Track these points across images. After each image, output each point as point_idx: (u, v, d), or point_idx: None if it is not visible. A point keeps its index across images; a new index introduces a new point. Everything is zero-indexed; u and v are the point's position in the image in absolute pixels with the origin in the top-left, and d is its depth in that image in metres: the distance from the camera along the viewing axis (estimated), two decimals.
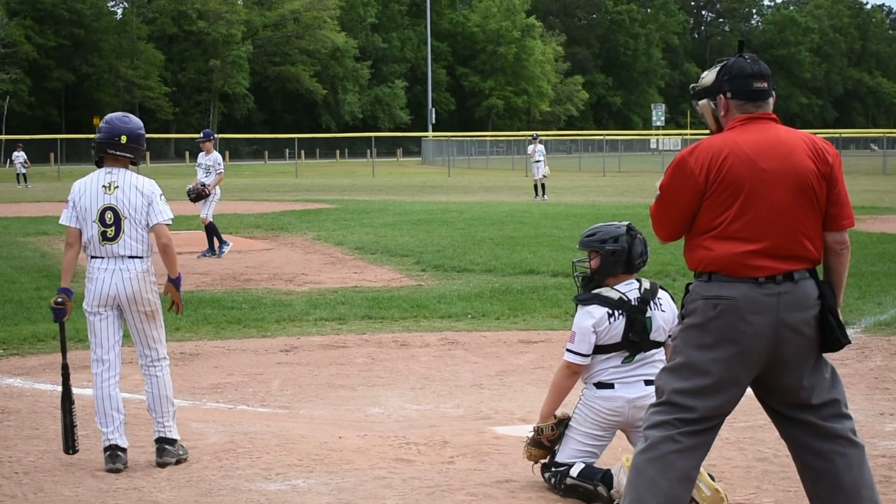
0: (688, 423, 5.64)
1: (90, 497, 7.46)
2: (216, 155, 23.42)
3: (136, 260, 8.16)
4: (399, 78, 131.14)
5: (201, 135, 24.18)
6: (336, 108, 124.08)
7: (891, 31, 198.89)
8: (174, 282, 8.26)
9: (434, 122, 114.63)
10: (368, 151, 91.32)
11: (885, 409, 9.81)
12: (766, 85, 5.70)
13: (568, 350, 7.34)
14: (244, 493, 7.54)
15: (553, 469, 7.36)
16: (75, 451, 8.24)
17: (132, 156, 8.29)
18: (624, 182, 60.42)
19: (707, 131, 5.98)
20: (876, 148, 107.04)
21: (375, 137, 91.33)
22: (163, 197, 8.25)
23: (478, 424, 9.38)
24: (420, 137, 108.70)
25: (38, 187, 57.11)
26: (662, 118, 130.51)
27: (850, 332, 12.84)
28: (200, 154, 23.74)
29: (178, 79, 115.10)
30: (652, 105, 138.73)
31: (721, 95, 5.76)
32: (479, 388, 10.80)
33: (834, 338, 5.62)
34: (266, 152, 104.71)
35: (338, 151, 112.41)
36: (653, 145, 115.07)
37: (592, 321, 7.28)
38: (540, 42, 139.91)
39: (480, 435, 9.01)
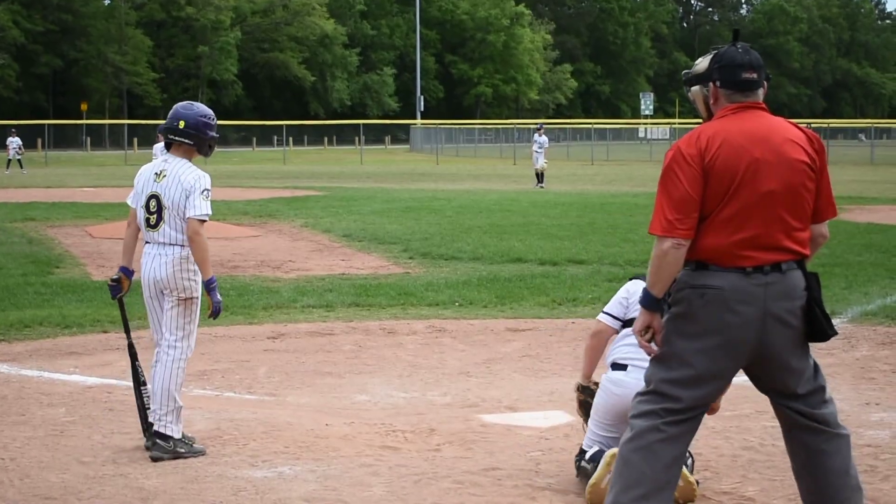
0: (673, 412, 5.65)
1: (77, 483, 7.45)
2: None
3: (175, 247, 8.16)
4: (388, 65, 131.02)
5: None
6: (324, 95, 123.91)
7: (879, 22, 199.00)
8: (205, 284, 8.13)
9: (422, 109, 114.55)
10: (357, 139, 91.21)
11: (871, 398, 9.83)
12: (755, 76, 5.69)
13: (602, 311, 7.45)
14: (230, 480, 7.54)
15: (578, 455, 7.39)
16: (150, 434, 8.23)
17: (191, 142, 8.26)
18: (612, 171, 60.48)
19: (699, 120, 5.98)
20: (864, 138, 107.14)
21: (364, 125, 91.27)
22: (206, 192, 8.13)
23: (465, 412, 9.38)
24: (408, 125, 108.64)
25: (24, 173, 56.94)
26: (651, 107, 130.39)
27: (836, 321, 12.93)
28: None
29: (167, 65, 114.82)
30: (640, 94, 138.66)
31: (711, 83, 5.76)
32: (466, 376, 10.81)
33: (820, 329, 5.64)
34: (254, 139, 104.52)
35: (326, 139, 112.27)
36: (641, 134, 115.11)
37: (626, 292, 7.36)
38: (529, 30, 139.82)
39: (467, 423, 9.01)
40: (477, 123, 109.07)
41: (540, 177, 43.91)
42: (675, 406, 5.64)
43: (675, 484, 5.74)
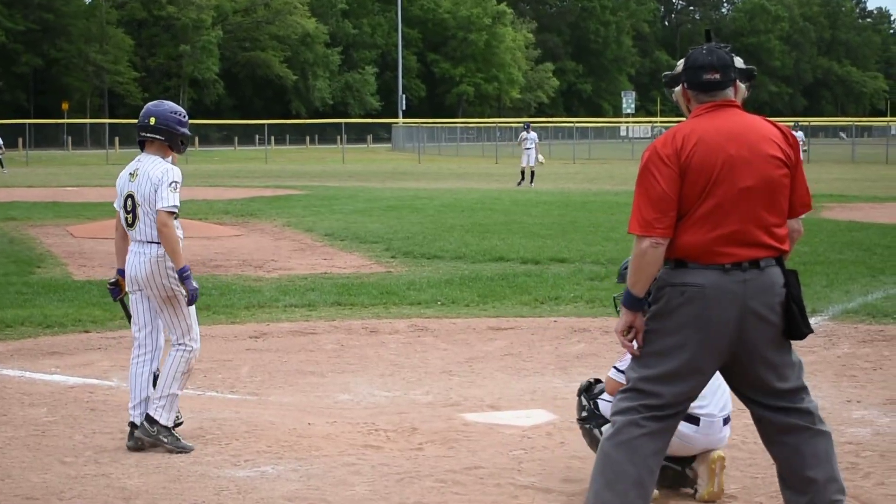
0: (653, 408, 5.67)
1: (58, 483, 7.44)
2: None
3: (152, 245, 8.25)
4: (369, 64, 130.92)
5: None
6: (306, 94, 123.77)
7: (860, 21, 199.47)
8: (178, 273, 8.20)
9: (404, 108, 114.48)
10: (339, 138, 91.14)
11: (852, 396, 9.86)
12: (717, 76, 5.71)
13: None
14: (213, 479, 7.54)
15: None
16: (178, 425, 8.40)
17: (163, 138, 8.34)
18: (594, 169, 60.54)
19: (681, 118, 6.00)
20: (845, 136, 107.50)
21: (346, 124, 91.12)
22: (173, 185, 8.20)
23: (447, 411, 9.39)
24: (390, 124, 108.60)
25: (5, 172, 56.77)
26: (633, 106, 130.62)
27: (817, 319, 13.00)
28: None
29: (148, 64, 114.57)
30: (622, 92, 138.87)
31: (681, 85, 5.82)
32: (449, 375, 10.81)
33: (797, 327, 5.66)
34: (236, 138, 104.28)
35: (308, 138, 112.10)
36: (623, 133, 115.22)
37: None
38: (511, 29, 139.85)
39: (449, 421, 9.02)
40: (459, 122, 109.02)
41: (531, 176, 43.49)
42: (655, 402, 5.67)
43: (656, 479, 5.76)
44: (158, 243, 8.21)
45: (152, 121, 8.33)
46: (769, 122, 5.80)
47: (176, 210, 8.21)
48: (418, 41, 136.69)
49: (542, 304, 14.92)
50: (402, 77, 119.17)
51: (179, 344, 8.37)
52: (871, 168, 60.79)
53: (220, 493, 7.26)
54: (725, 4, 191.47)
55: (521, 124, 51.59)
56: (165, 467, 7.80)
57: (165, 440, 8.18)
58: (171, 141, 8.37)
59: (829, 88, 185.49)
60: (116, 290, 8.59)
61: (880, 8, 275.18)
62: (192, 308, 8.40)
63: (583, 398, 7.30)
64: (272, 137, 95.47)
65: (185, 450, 8.17)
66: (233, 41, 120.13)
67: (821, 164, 61.86)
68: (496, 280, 16.74)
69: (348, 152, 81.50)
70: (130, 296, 8.45)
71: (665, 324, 5.64)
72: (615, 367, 7.07)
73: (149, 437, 8.17)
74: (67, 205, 32.71)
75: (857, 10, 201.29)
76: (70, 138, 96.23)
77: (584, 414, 7.24)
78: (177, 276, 8.22)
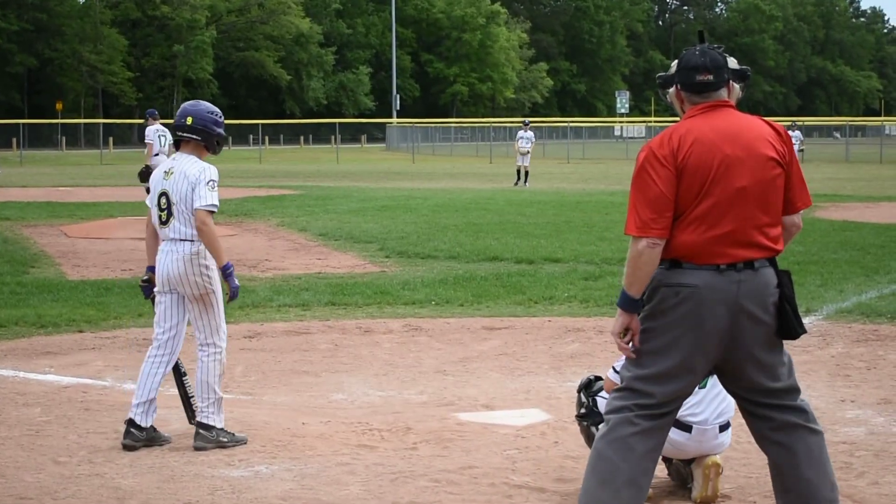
0: (645, 407, 5.68)
1: (52, 483, 7.44)
2: (150, 128, 25.32)
3: (185, 243, 8.27)
4: (363, 64, 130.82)
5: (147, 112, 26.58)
6: (300, 94, 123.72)
7: (854, 20, 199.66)
8: (221, 271, 8.24)
9: (398, 108, 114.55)
10: (333, 138, 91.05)
11: (846, 395, 9.87)
12: (710, 77, 5.71)
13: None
14: (207, 479, 7.54)
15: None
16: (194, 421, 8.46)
17: (199, 138, 8.37)
18: (588, 169, 60.53)
19: (675, 118, 6.00)
20: (839, 136, 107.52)
21: (340, 124, 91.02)
22: (211, 183, 8.24)
23: (441, 411, 9.39)
24: (384, 124, 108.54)
25: None
26: (627, 105, 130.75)
27: (811, 319, 13.00)
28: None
29: (142, 64, 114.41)
30: (616, 92, 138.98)
31: (675, 86, 5.82)
32: (443, 375, 10.81)
33: (790, 327, 5.67)
34: (230, 138, 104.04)
35: (302, 137, 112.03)
36: (617, 132, 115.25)
37: None
38: (505, 29, 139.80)
39: (443, 421, 9.02)
40: (453, 122, 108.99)
41: (525, 175, 43.42)
42: (648, 402, 5.67)
43: (650, 478, 5.76)
44: (192, 241, 8.24)
45: (189, 121, 8.36)
46: (763, 120, 5.81)
47: (215, 209, 8.24)
48: (412, 41, 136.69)
49: (536, 303, 14.92)
50: (396, 77, 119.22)
51: (208, 344, 8.38)
52: (864, 168, 60.82)
53: (214, 492, 7.26)
54: (719, 4, 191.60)
55: (521, 122, 51.40)
56: (160, 467, 7.80)
57: (225, 440, 8.29)
58: (207, 141, 8.40)
59: (823, 88, 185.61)
60: (149, 288, 8.61)
61: (874, 8, 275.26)
62: (222, 307, 8.44)
63: (582, 395, 7.29)
64: (266, 137, 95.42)
65: (241, 442, 8.33)
66: (227, 41, 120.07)
67: (815, 163, 61.90)
68: (490, 280, 16.74)
69: (342, 152, 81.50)
70: (158, 296, 8.46)
71: (659, 323, 5.65)
72: (613, 368, 7.05)
73: (209, 442, 8.25)
74: (61, 205, 32.68)
75: (851, 10, 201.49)
76: (64, 138, 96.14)
77: (583, 411, 7.24)
78: (210, 274, 8.28)
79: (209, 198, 8.20)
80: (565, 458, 7.94)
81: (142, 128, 26.47)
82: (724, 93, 5.76)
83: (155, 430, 8.38)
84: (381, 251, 20.74)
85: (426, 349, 12.06)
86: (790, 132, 5.89)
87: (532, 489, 7.28)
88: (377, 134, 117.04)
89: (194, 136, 8.37)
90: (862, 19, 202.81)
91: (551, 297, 15.29)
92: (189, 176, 8.24)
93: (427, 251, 20.38)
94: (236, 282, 8.30)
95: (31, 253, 20.73)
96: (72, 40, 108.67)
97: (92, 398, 9.81)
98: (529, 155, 43.74)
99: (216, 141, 8.44)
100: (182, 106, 8.51)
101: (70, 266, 18.73)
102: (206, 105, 8.53)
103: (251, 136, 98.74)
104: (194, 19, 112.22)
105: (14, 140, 79.83)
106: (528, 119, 52.96)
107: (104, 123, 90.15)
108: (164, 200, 8.33)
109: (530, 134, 44.53)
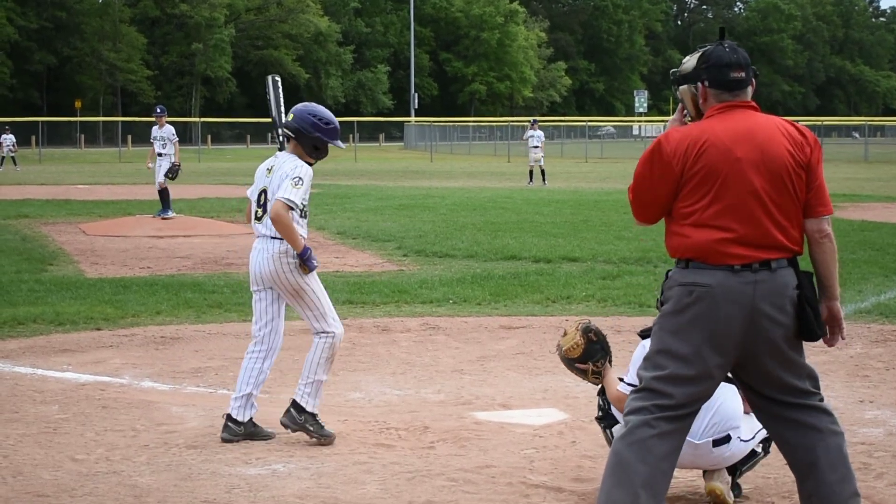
0: (665, 409, 5.65)
1: (69, 480, 7.44)
2: (170, 127, 25.89)
3: (275, 241, 8.32)
4: (382, 63, 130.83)
5: (157, 110, 26.91)
6: (318, 92, 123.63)
7: (873, 20, 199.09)
8: (299, 256, 8.28)
9: (417, 107, 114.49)
10: (351, 136, 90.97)
11: (865, 396, 9.84)
12: (743, 74, 5.70)
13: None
14: (224, 477, 7.54)
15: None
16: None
17: (293, 135, 8.39)
18: (606, 168, 60.50)
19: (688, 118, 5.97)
20: (858, 136, 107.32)
21: (358, 122, 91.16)
22: (297, 180, 8.20)
23: (458, 410, 9.38)
24: (403, 122, 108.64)
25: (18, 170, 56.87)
26: (645, 105, 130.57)
27: None
28: (154, 128, 26.34)
29: (161, 62, 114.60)
30: (635, 91, 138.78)
31: (700, 83, 5.77)
32: (460, 374, 10.80)
33: (810, 328, 5.64)
34: (248, 136, 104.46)
35: None
36: (635, 132, 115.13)
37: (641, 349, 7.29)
38: (523, 28, 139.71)
39: (461, 420, 9.01)
40: (471, 121, 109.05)
41: (542, 174, 43.26)
42: (667, 402, 5.65)
43: (669, 480, 5.73)
44: (281, 239, 8.27)
45: (290, 116, 8.43)
46: (791, 123, 5.76)
47: (292, 204, 8.16)
48: (430, 40, 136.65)
49: (553, 302, 14.90)
50: (415, 76, 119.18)
51: (319, 333, 8.44)
52: (883, 167, 60.69)
53: (231, 490, 7.26)
54: (738, 3, 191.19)
55: (529, 122, 51.42)
56: (177, 465, 7.80)
57: (311, 428, 8.32)
58: (301, 141, 8.38)
59: (842, 87, 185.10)
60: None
61: (894, 7, 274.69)
62: (322, 295, 8.44)
63: (600, 398, 7.27)
64: None
65: (328, 437, 8.33)
66: (245, 39, 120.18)
67: (833, 163, 61.73)
68: (508, 279, 16.72)
69: (360, 151, 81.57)
70: (254, 294, 8.51)
71: (675, 323, 5.63)
72: (622, 380, 7.00)
73: (295, 424, 8.32)
74: (80, 202, 32.78)
75: (871, 10, 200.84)
76: (83, 136, 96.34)
77: (600, 413, 7.22)
78: (299, 270, 8.30)
79: (288, 192, 8.16)
80: (583, 457, 7.93)
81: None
82: (750, 91, 5.74)
83: (255, 424, 8.44)
84: (399, 250, 20.75)
85: (444, 348, 12.06)
86: None
87: (549, 489, 7.27)
88: (395, 132, 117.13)
89: (289, 133, 8.41)
90: (881, 19, 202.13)
91: (569, 296, 15.28)
92: (283, 172, 8.27)
93: (445, 250, 20.37)
94: (314, 263, 8.34)
95: (50, 250, 20.77)
96: (91, 38, 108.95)
97: (109, 396, 9.82)
98: (541, 152, 43.58)
99: (313, 145, 8.39)
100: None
101: (88, 264, 18.77)
102: (314, 107, 8.48)
103: (269, 135, 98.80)
104: (213, 17, 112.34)
105: (33, 138, 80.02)
106: (535, 118, 52.88)
107: (123, 121, 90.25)
108: (262, 197, 8.40)
109: (539, 132, 44.41)
